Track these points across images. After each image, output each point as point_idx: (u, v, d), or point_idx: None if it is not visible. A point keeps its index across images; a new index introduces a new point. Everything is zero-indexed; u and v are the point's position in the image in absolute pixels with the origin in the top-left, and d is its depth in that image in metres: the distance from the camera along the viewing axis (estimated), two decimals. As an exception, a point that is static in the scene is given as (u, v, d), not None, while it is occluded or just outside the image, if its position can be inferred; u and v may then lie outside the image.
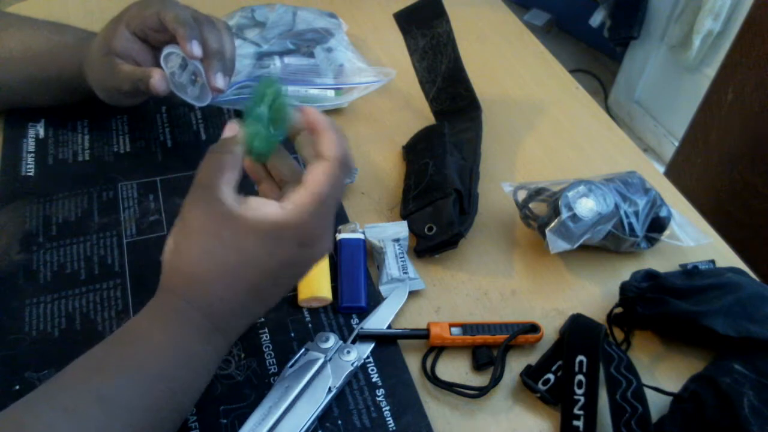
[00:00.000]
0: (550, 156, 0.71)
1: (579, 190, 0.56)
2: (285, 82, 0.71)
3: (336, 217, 0.44)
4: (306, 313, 0.54)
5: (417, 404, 0.48)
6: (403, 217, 0.61)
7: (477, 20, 0.91)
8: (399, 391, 0.49)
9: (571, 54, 2.24)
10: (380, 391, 0.49)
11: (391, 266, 0.56)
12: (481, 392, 0.49)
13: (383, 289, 0.56)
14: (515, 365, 0.52)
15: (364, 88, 0.72)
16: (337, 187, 0.42)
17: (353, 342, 0.51)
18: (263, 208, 0.40)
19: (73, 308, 0.52)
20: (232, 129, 0.44)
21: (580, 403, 0.47)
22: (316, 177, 0.41)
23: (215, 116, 0.72)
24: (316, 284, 0.53)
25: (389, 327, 0.53)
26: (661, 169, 1.14)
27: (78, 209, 0.60)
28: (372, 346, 0.51)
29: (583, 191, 0.56)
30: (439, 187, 0.59)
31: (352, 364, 0.49)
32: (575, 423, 0.46)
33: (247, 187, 0.43)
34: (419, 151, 0.66)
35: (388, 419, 0.47)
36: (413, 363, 0.51)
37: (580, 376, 0.48)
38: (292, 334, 0.52)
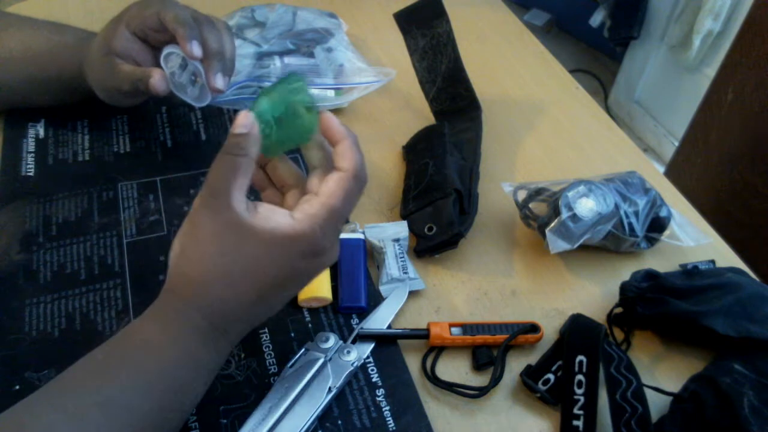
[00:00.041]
0: (550, 156, 0.71)
1: (579, 190, 0.56)
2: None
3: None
4: (306, 313, 0.54)
5: (417, 404, 0.48)
6: (403, 217, 0.61)
7: (477, 20, 0.91)
8: (399, 391, 0.49)
9: (571, 54, 2.24)
10: (380, 391, 0.49)
11: (391, 266, 0.56)
12: (481, 392, 0.49)
13: (383, 289, 0.56)
14: (515, 365, 0.52)
15: (364, 88, 0.72)
16: (351, 201, 0.41)
17: (353, 342, 0.51)
18: (274, 218, 0.40)
19: (73, 308, 0.52)
20: (245, 119, 0.40)
21: (580, 403, 0.47)
22: (331, 189, 0.40)
23: (215, 116, 0.72)
24: (316, 284, 0.53)
25: (389, 327, 0.53)
26: (661, 169, 1.14)
27: (78, 209, 0.60)
28: (372, 346, 0.51)
29: (583, 191, 0.56)
30: (439, 187, 0.59)
31: (352, 364, 0.49)
32: (575, 423, 0.46)
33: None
34: (419, 151, 0.66)
35: (388, 419, 0.47)
36: (413, 363, 0.51)
37: (580, 376, 0.48)
38: (292, 334, 0.52)
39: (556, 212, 0.56)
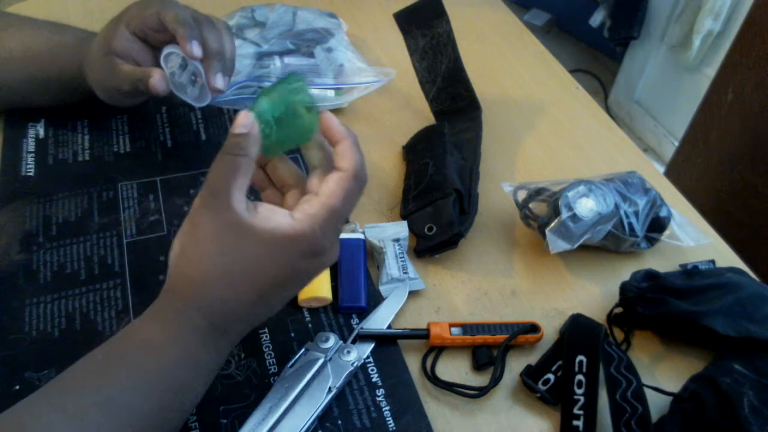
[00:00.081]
0: (550, 156, 0.71)
1: (579, 190, 0.56)
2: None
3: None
4: (306, 313, 0.54)
5: (417, 404, 0.48)
6: (403, 217, 0.61)
7: (477, 20, 0.91)
8: (399, 391, 0.49)
9: (571, 54, 2.24)
10: (380, 391, 0.49)
11: (391, 266, 0.56)
12: (481, 392, 0.49)
13: (383, 289, 0.56)
14: (515, 365, 0.52)
15: (364, 88, 0.72)
16: (351, 201, 0.41)
17: (353, 342, 0.51)
18: (274, 218, 0.40)
19: (73, 308, 0.52)
20: (245, 119, 0.40)
21: (580, 403, 0.47)
22: (331, 189, 0.40)
23: (215, 116, 0.72)
24: (316, 284, 0.53)
25: (389, 327, 0.53)
26: (661, 169, 1.14)
27: (78, 209, 0.60)
28: (372, 346, 0.51)
29: (583, 191, 0.56)
30: (439, 187, 0.59)
31: (352, 364, 0.49)
32: (575, 423, 0.46)
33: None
34: (419, 151, 0.66)
35: (388, 419, 0.47)
36: (413, 363, 0.51)
37: (580, 376, 0.48)
38: (292, 334, 0.52)
39: (556, 212, 0.56)
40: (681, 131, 1.24)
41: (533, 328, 0.53)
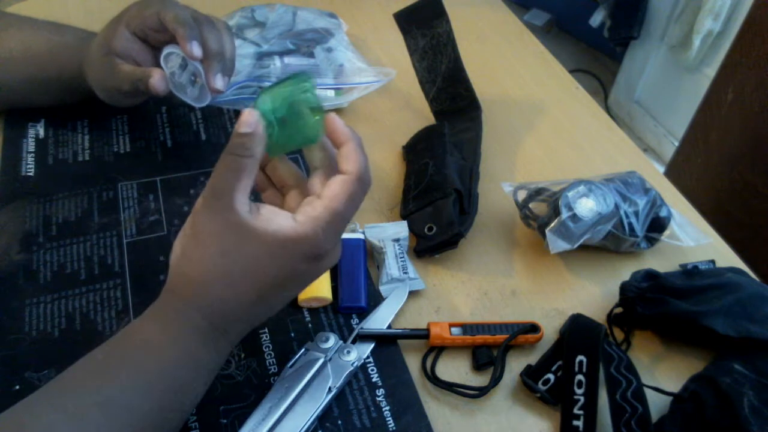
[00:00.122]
0: (550, 156, 0.71)
1: (579, 190, 0.56)
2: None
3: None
4: (306, 313, 0.54)
5: (417, 404, 0.48)
6: (403, 217, 0.61)
7: (477, 20, 0.91)
8: (399, 391, 0.49)
9: (571, 54, 2.24)
10: (380, 391, 0.49)
11: (391, 266, 0.56)
12: (481, 392, 0.49)
13: (383, 289, 0.56)
14: (515, 365, 0.52)
15: (364, 88, 0.72)
16: (354, 204, 0.41)
17: (353, 342, 0.51)
18: (277, 220, 0.39)
19: (73, 308, 0.52)
20: (250, 117, 0.39)
21: (580, 403, 0.47)
22: (334, 191, 0.40)
23: (215, 116, 0.72)
24: (316, 284, 0.53)
25: (389, 327, 0.53)
26: (661, 169, 1.14)
27: (78, 209, 0.60)
28: (372, 346, 0.51)
29: (583, 191, 0.56)
30: (439, 187, 0.59)
31: (352, 364, 0.49)
32: (575, 423, 0.46)
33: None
34: (419, 151, 0.66)
35: (388, 419, 0.47)
36: (413, 363, 0.51)
37: (580, 376, 0.48)
38: (292, 334, 0.52)
39: (556, 212, 0.56)
40: (681, 131, 1.24)
41: (533, 328, 0.53)
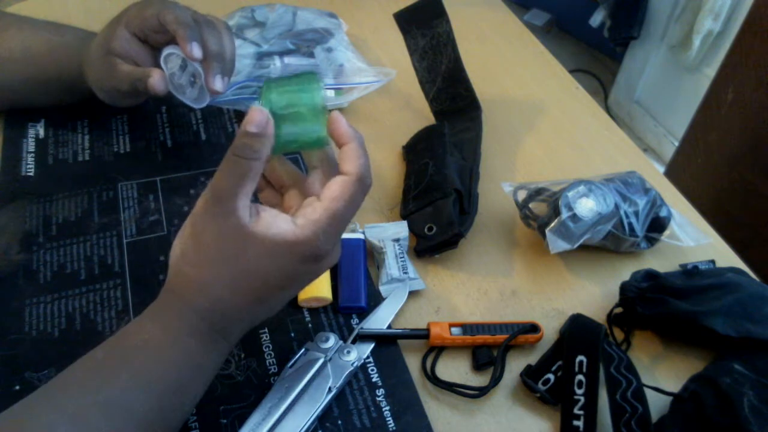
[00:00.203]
0: (550, 156, 0.71)
1: (579, 190, 0.56)
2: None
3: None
4: (306, 313, 0.54)
5: (417, 404, 0.48)
6: (403, 217, 0.61)
7: (477, 20, 0.91)
8: (399, 391, 0.49)
9: (571, 54, 2.24)
10: (380, 391, 0.49)
11: (391, 266, 0.56)
12: (481, 392, 0.49)
13: (383, 289, 0.56)
14: (515, 365, 0.52)
15: (364, 88, 0.72)
16: (354, 205, 0.41)
17: (353, 342, 0.51)
18: (277, 223, 0.39)
19: (73, 308, 0.52)
20: (260, 116, 0.38)
21: (580, 403, 0.47)
22: (334, 193, 0.40)
23: (215, 116, 0.72)
24: (316, 284, 0.53)
25: (389, 327, 0.53)
26: (661, 169, 1.14)
27: (78, 209, 0.60)
28: (372, 346, 0.51)
29: (583, 191, 0.56)
30: (439, 187, 0.59)
31: (352, 364, 0.49)
32: (575, 423, 0.46)
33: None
34: (419, 151, 0.66)
35: (388, 419, 0.47)
36: (413, 363, 0.51)
37: (580, 376, 0.48)
38: (292, 334, 0.52)
39: (556, 212, 0.56)
40: (681, 131, 1.24)
41: (533, 328, 0.53)
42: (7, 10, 0.74)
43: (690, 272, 0.55)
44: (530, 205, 0.60)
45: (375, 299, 0.55)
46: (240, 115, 0.72)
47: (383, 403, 0.48)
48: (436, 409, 0.49)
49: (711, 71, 1.49)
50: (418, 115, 0.74)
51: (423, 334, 0.52)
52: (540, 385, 0.49)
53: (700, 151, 1.15)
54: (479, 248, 0.61)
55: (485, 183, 0.65)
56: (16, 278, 0.54)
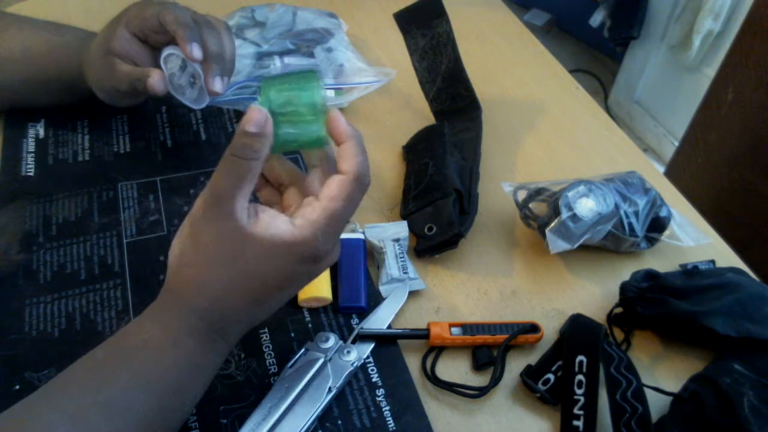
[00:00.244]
0: (550, 156, 0.71)
1: (579, 190, 0.56)
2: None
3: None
4: (306, 313, 0.54)
5: (417, 404, 0.48)
6: (403, 217, 0.61)
7: (477, 20, 0.91)
8: (399, 391, 0.49)
9: (571, 54, 2.24)
10: (380, 391, 0.49)
11: (391, 266, 0.56)
12: (481, 392, 0.49)
13: (383, 289, 0.56)
14: (515, 365, 0.52)
15: (364, 88, 0.72)
16: (352, 205, 0.40)
17: (353, 342, 0.51)
18: (275, 224, 0.39)
19: (73, 308, 0.52)
20: (259, 115, 0.38)
21: (580, 403, 0.47)
22: (332, 193, 0.39)
23: (215, 116, 0.72)
24: (316, 284, 0.53)
25: (389, 327, 0.53)
26: (661, 169, 1.14)
27: (78, 209, 0.60)
28: (372, 346, 0.51)
29: (583, 191, 0.56)
30: (439, 187, 0.59)
31: (352, 364, 0.49)
32: (575, 423, 0.46)
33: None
34: (419, 151, 0.66)
35: (388, 419, 0.47)
36: (413, 363, 0.51)
37: (580, 376, 0.48)
38: (292, 334, 0.52)
39: (556, 212, 0.56)
40: (681, 131, 1.24)
41: (533, 328, 0.53)
42: (7, 10, 0.74)
43: (690, 272, 0.55)
44: (530, 205, 0.60)
45: (375, 299, 0.55)
46: (240, 115, 0.72)
47: (383, 403, 0.48)
48: (436, 409, 0.49)
49: (711, 71, 1.49)
50: (418, 115, 0.74)
51: (423, 334, 0.52)
52: (540, 385, 0.49)
53: (700, 151, 1.15)
54: (479, 248, 0.61)
55: (485, 183, 0.65)
56: (16, 278, 0.54)
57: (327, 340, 0.50)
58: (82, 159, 0.66)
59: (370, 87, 0.72)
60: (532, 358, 0.52)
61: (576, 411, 0.47)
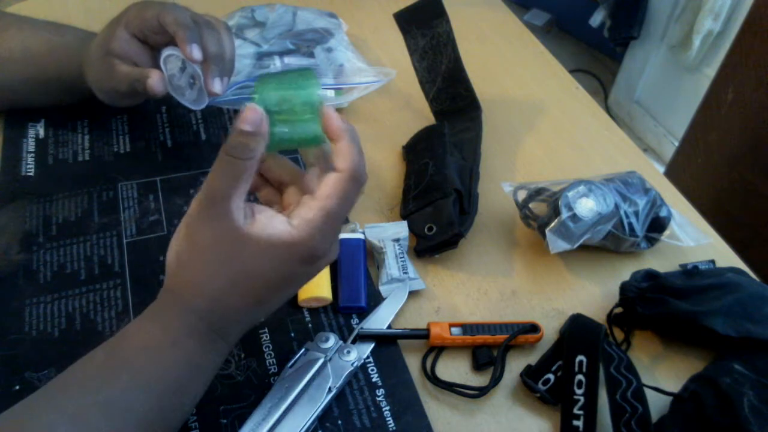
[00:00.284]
0: (550, 156, 0.71)
1: (579, 190, 0.56)
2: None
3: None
4: (306, 313, 0.54)
5: (417, 404, 0.48)
6: (403, 217, 0.61)
7: (477, 20, 0.91)
8: (399, 391, 0.49)
9: (571, 54, 2.24)
10: (380, 391, 0.49)
11: (391, 266, 0.56)
12: (481, 392, 0.49)
13: (383, 289, 0.56)
14: (515, 365, 0.52)
15: (364, 88, 0.72)
16: (348, 202, 0.40)
17: (353, 342, 0.51)
18: (272, 224, 0.39)
19: (73, 308, 0.52)
20: (254, 114, 0.37)
21: (580, 403, 0.47)
22: (327, 191, 0.39)
23: (215, 116, 0.72)
24: (316, 284, 0.53)
25: (389, 327, 0.53)
26: (661, 169, 1.14)
27: (78, 209, 0.60)
28: (372, 346, 0.51)
29: (583, 191, 0.56)
30: (439, 187, 0.59)
31: (352, 364, 0.49)
32: (575, 423, 0.46)
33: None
34: (419, 151, 0.66)
35: (388, 419, 0.47)
36: (413, 363, 0.51)
37: (580, 376, 0.48)
38: (292, 334, 0.52)
39: (556, 212, 0.56)
40: (681, 131, 1.24)
41: (533, 328, 0.53)
42: (7, 10, 0.74)
43: (690, 272, 0.55)
44: (530, 205, 0.60)
45: (375, 299, 0.55)
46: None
47: (383, 403, 0.48)
48: (436, 409, 0.49)
49: (711, 71, 1.49)
50: (418, 115, 0.74)
51: (423, 334, 0.52)
52: (540, 385, 0.49)
53: (700, 151, 1.15)
54: (479, 248, 0.61)
55: (485, 183, 0.65)
56: (16, 278, 0.54)
57: (327, 340, 0.50)
58: (82, 159, 0.66)
59: (370, 87, 0.72)
60: (532, 358, 0.52)
61: (576, 411, 0.47)
